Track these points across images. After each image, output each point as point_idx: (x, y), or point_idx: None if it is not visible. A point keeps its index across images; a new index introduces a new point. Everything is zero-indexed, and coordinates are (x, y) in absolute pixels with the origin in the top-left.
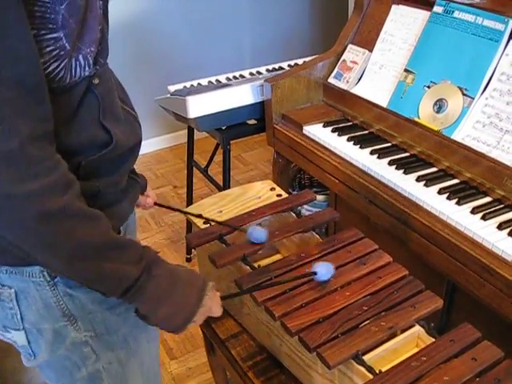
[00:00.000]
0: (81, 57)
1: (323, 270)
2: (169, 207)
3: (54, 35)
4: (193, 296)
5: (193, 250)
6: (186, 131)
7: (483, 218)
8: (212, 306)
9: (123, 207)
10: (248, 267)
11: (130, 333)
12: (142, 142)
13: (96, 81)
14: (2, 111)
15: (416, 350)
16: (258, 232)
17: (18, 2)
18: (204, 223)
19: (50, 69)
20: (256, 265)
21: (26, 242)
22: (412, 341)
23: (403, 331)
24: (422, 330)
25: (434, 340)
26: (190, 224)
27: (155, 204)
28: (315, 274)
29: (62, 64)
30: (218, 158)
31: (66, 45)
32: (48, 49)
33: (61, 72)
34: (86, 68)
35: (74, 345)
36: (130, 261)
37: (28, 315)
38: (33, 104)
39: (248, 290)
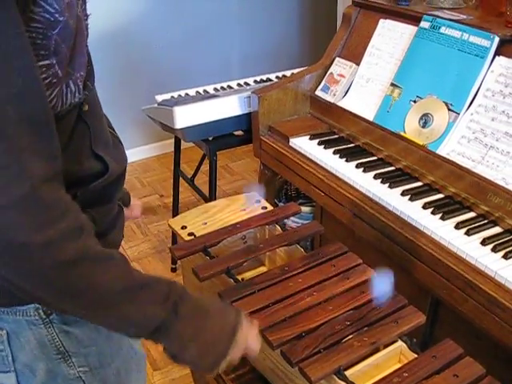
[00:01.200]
0: (71, 82)
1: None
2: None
3: (47, 62)
4: (224, 333)
5: (178, 261)
6: (172, 140)
7: (467, 233)
8: (248, 341)
9: (116, 234)
10: (231, 280)
11: (122, 364)
12: (129, 151)
13: (86, 107)
14: (11, 152)
15: (398, 365)
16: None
17: (21, 31)
18: (188, 235)
19: None
20: (240, 277)
21: (47, 293)
22: (394, 356)
23: (386, 346)
24: (404, 345)
25: (416, 356)
26: (175, 234)
27: (142, 214)
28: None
29: (55, 92)
30: (205, 167)
31: (59, 71)
32: (41, 77)
33: (53, 100)
34: (77, 94)
35: (66, 381)
36: (155, 301)
37: (20, 356)
38: (42, 141)
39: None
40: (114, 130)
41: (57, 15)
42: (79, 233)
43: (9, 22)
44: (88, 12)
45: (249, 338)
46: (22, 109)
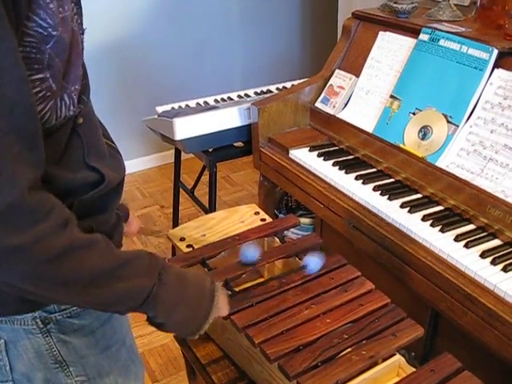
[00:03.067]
0: (66, 96)
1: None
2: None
3: (40, 76)
4: (204, 298)
5: None
6: (173, 151)
7: (466, 245)
8: (221, 305)
9: (114, 242)
10: (229, 292)
11: (119, 374)
12: (130, 161)
13: (80, 120)
14: (1, 161)
15: (397, 379)
16: (249, 252)
17: (14, 45)
18: (187, 247)
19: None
20: (237, 289)
21: (41, 287)
22: (393, 370)
23: (384, 360)
24: (402, 359)
25: (414, 369)
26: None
27: (138, 232)
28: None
29: (49, 105)
30: (206, 177)
31: (53, 85)
32: (34, 90)
33: (47, 114)
34: (71, 107)
35: None
36: (141, 273)
37: (18, 365)
38: (29, 151)
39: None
40: (111, 140)
41: (50, 30)
42: (65, 225)
43: (2, 40)
44: (84, 26)
45: (223, 304)
46: (13, 120)
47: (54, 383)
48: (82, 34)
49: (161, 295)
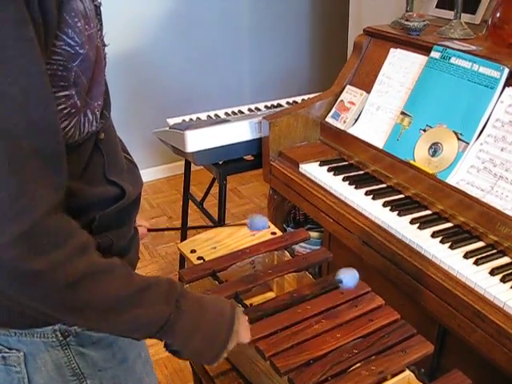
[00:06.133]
0: (89, 112)
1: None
2: (161, 229)
3: (66, 93)
4: (224, 325)
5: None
6: (182, 162)
7: (476, 262)
8: (242, 331)
9: (131, 256)
10: (240, 305)
11: None
12: (139, 171)
13: (102, 136)
14: (22, 184)
15: None
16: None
17: (42, 67)
18: (198, 259)
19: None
20: (248, 302)
21: (59, 311)
22: None
23: (393, 376)
24: (412, 375)
25: None
26: (183, 256)
27: (149, 230)
28: (341, 282)
29: (73, 122)
30: (214, 189)
31: (77, 102)
32: (59, 107)
33: (71, 130)
34: (94, 123)
35: None
36: (159, 300)
37: (36, 378)
38: (52, 173)
39: None
40: (129, 154)
41: (77, 48)
42: (84, 251)
43: (31, 63)
44: (106, 42)
45: (243, 330)
46: (36, 142)
47: None
48: (104, 49)
49: (178, 323)
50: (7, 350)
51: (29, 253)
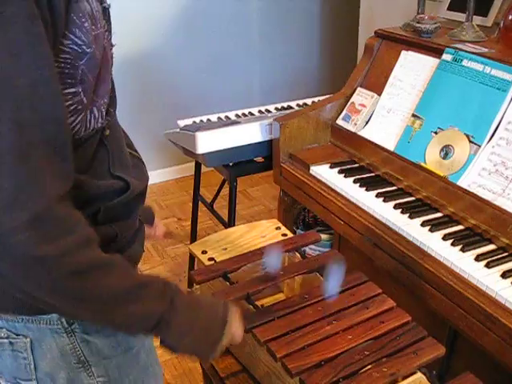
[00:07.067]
0: (95, 109)
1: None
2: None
3: (73, 90)
4: (217, 322)
5: (194, 284)
6: (192, 164)
7: (487, 265)
8: (235, 330)
9: (135, 249)
10: (251, 306)
11: (139, 376)
12: (149, 173)
13: (107, 132)
14: (31, 172)
15: None
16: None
17: (50, 62)
18: (209, 260)
19: None
20: (258, 304)
21: (58, 300)
22: None
23: (404, 378)
24: (423, 377)
25: None
26: (192, 257)
27: (164, 237)
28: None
29: (79, 118)
30: (224, 191)
31: (84, 99)
32: (66, 103)
33: (77, 126)
34: (100, 120)
35: None
36: (155, 297)
37: (42, 364)
38: (60, 163)
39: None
40: (135, 150)
41: (84, 47)
42: (88, 243)
43: (40, 56)
44: (114, 43)
45: (236, 329)
46: (46, 133)
47: (76, 383)
48: (111, 49)
49: (172, 320)
50: (14, 336)
51: (37, 239)
